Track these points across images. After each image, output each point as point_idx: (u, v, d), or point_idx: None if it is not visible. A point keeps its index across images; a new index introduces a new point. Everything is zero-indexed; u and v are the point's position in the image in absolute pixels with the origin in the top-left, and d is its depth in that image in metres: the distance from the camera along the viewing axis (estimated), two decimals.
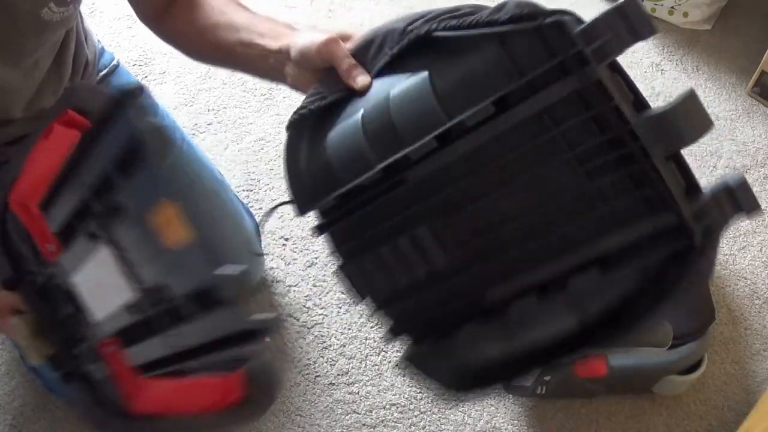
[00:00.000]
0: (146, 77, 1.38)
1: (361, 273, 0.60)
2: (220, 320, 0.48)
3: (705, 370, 1.08)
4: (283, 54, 0.66)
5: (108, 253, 0.57)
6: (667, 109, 0.46)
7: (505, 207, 0.53)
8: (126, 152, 0.52)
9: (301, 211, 0.62)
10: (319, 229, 0.62)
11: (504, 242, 0.54)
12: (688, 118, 0.46)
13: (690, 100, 0.45)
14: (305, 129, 0.62)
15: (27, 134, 0.85)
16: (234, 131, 1.34)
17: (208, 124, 1.35)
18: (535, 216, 0.52)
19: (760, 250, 1.27)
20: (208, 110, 1.36)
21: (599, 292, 0.52)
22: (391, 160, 0.55)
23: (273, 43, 0.67)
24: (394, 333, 0.63)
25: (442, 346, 0.60)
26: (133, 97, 0.50)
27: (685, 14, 1.53)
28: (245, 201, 1.23)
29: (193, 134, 1.32)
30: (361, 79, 0.59)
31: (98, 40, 0.96)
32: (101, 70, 0.96)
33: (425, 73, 0.55)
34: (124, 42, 1.42)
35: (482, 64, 0.52)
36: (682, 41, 1.53)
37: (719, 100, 1.46)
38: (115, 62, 0.99)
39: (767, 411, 1.00)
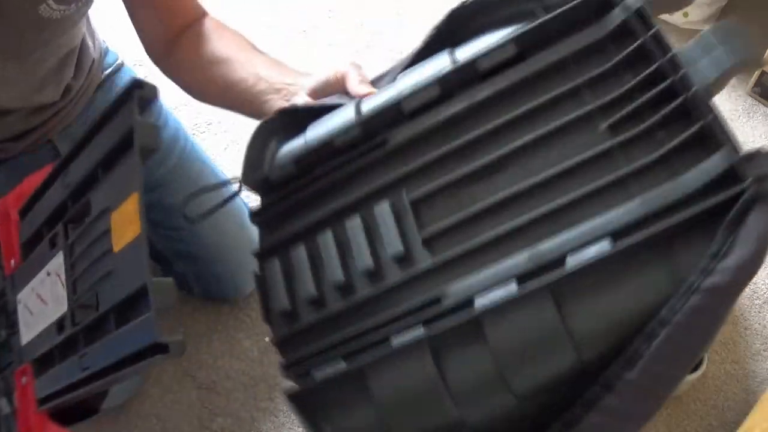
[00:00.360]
0: (146, 77, 1.37)
1: (284, 270, 0.50)
2: (129, 337, 0.41)
3: (705, 370, 1.08)
4: (296, 86, 0.67)
5: (60, 263, 0.51)
6: (712, 28, 0.42)
7: (501, 170, 0.44)
8: (116, 148, 0.47)
9: (246, 177, 0.55)
10: (256, 214, 0.54)
11: (490, 217, 0.44)
12: (735, 37, 0.41)
13: (733, 23, 0.42)
14: (290, 121, 0.57)
15: (29, 129, 0.85)
16: (234, 131, 1.34)
17: (208, 124, 1.34)
18: (537, 176, 0.43)
19: None
20: (208, 110, 1.36)
21: (606, 280, 0.39)
22: (377, 103, 0.48)
23: (289, 78, 0.69)
24: (287, 367, 0.49)
25: (353, 375, 0.43)
26: (139, 88, 0.46)
27: (685, 14, 1.53)
28: (247, 201, 1.22)
29: (193, 134, 1.32)
30: (367, 91, 0.57)
31: (103, 40, 0.97)
32: (106, 69, 0.97)
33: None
34: (125, 42, 1.41)
35: (509, 19, 0.47)
36: (682, 41, 1.52)
37: (719, 100, 1.44)
38: (119, 61, 1.00)
39: (767, 411, 1.00)
